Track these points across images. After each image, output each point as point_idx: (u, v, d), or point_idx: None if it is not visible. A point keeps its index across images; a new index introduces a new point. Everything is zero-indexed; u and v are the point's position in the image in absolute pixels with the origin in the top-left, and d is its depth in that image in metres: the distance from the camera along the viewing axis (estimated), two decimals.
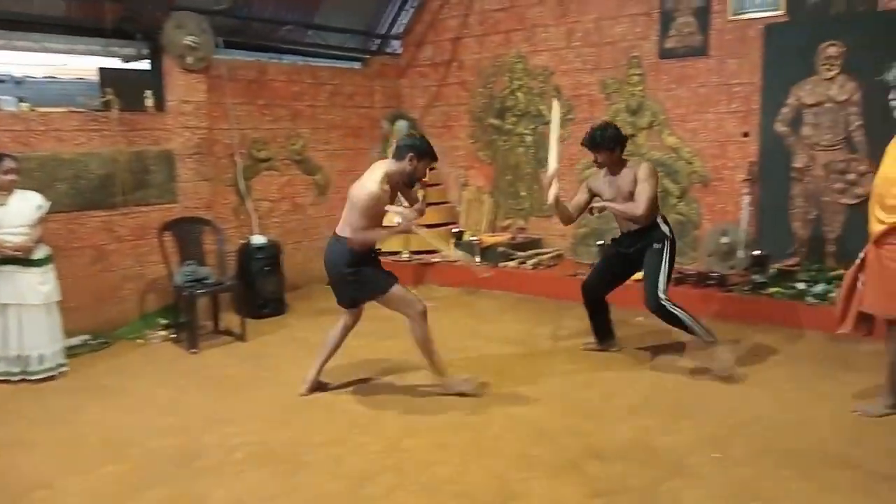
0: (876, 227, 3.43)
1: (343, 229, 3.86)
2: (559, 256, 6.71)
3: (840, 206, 5.42)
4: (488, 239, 6.81)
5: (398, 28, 7.83)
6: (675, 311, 4.19)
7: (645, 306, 4.26)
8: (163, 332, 5.43)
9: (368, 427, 3.68)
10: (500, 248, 6.63)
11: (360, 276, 3.87)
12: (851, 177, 5.34)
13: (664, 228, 4.32)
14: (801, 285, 5.14)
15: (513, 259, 6.53)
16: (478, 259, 4.20)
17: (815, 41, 5.40)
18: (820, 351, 4.64)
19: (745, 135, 5.79)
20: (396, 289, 3.88)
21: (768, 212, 5.68)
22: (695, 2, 6.00)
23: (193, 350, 5.03)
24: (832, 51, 5.33)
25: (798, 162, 5.57)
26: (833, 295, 4.94)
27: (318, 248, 7.13)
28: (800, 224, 5.59)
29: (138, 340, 5.32)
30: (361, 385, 4.30)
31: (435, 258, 7.00)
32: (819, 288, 5.04)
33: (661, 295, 4.19)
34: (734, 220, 5.76)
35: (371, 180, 3.76)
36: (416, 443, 3.47)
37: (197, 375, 4.56)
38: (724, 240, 5.75)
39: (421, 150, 3.82)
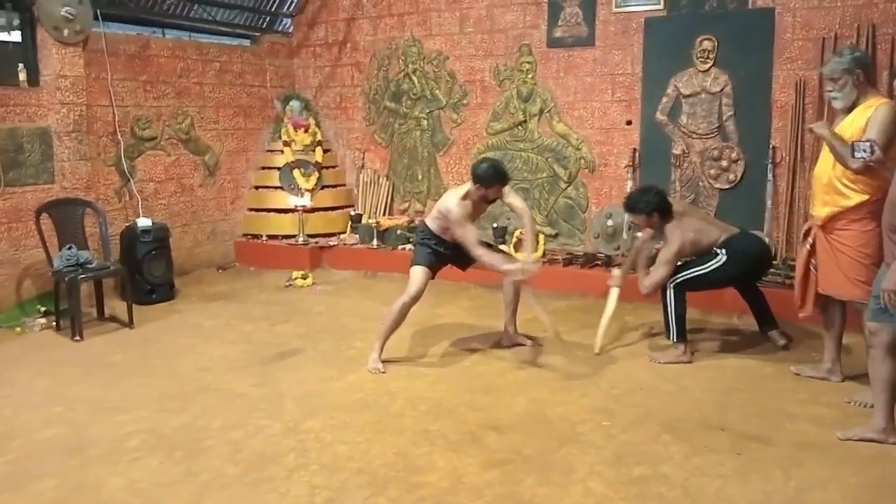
0: (823, 212, 3.60)
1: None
2: None
3: (715, 191, 5.83)
4: (385, 222, 6.85)
5: (290, 6, 7.67)
6: (669, 303, 4.32)
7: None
8: (42, 320, 5.14)
9: (268, 410, 3.65)
10: (398, 231, 6.68)
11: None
12: (724, 163, 5.75)
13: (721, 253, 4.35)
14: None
15: (411, 242, 6.59)
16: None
17: (691, 35, 5.76)
18: (693, 324, 4.99)
19: (629, 123, 6.11)
20: (414, 269, 4.29)
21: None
22: None
23: (77, 338, 4.79)
24: (706, 44, 5.70)
25: (676, 149, 5.93)
26: None
27: (208, 231, 6.94)
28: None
29: (16, 329, 5.01)
30: (259, 369, 4.25)
31: (332, 241, 6.98)
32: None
33: (671, 282, 4.30)
34: (619, 204, 6.07)
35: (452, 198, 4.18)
36: (318, 424, 3.48)
37: (82, 364, 4.35)
38: (610, 222, 6.06)
39: (484, 180, 4.10)
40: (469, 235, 4.14)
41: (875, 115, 3.37)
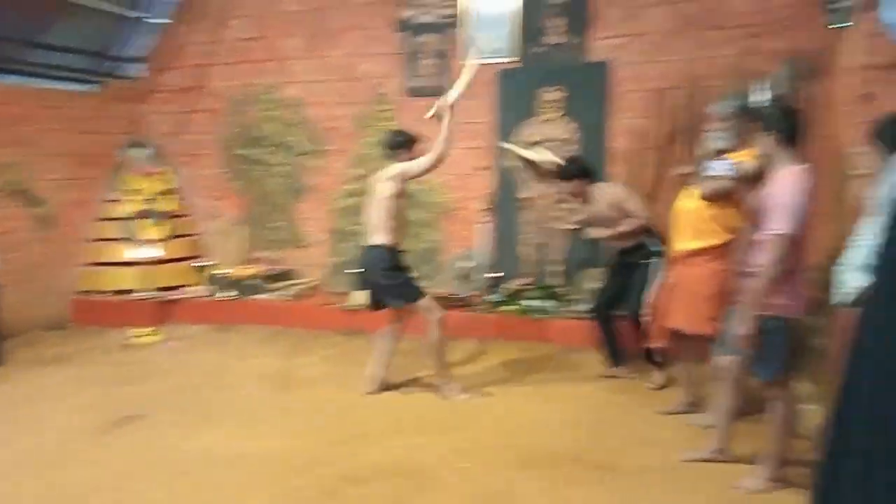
0: (687, 248, 3.76)
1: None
2: (315, 286, 6.72)
3: (560, 232, 6.11)
4: (242, 271, 6.61)
5: (140, 51, 7.37)
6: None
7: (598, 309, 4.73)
8: None
9: (110, 482, 3.36)
10: (254, 281, 6.47)
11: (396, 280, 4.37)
12: (568, 206, 6.04)
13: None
14: (532, 302, 5.69)
15: (268, 291, 6.41)
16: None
17: (538, 86, 6.07)
18: (548, 359, 5.15)
19: (485, 168, 6.30)
20: (423, 302, 4.36)
21: (503, 237, 6.23)
22: (436, 45, 6.44)
23: None
24: (553, 95, 6.04)
25: (527, 193, 6.18)
26: (559, 310, 5.56)
27: (42, 288, 6.40)
28: (529, 248, 6.21)
29: None
30: (99, 438, 3.92)
31: (183, 294, 6.62)
32: (548, 304, 5.62)
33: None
34: (474, 246, 6.23)
35: None
36: (163, 493, 3.24)
37: None
38: (466, 264, 6.19)
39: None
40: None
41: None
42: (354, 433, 3.91)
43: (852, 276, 1.77)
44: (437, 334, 4.37)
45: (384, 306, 4.51)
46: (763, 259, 3.01)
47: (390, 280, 4.35)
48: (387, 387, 4.56)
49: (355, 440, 3.81)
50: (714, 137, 3.77)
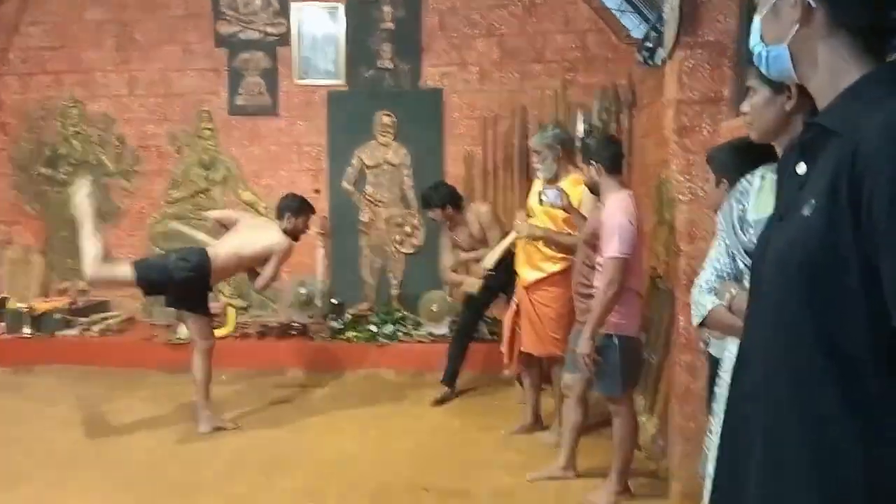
0: (530, 276, 3.84)
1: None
2: (130, 319, 6.12)
3: (400, 256, 6.09)
4: (41, 305, 5.86)
5: None
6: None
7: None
8: None
9: None
10: (57, 315, 5.76)
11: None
12: (408, 229, 6.06)
13: None
14: (373, 328, 5.58)
15: (74, 326, 5.73)
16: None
17: (372, 110, 6.02)
18: (392, 387, 5.07)
19: (317, 192, 6.12)
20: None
21: (341, 262, 6.08)
22: (262, 63, 6.19)
23: None
24: (386, 119, 6.02)
25: (364, 216, 6.10)
26: (399, 333, 5.50)
27: None
28: (368, 272, 6.11)
29: None
30: None
31: None
32: (388, 329, 5.54)
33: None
34: (312, 272, 6.01)
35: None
36: None
37: None
38: (303, 290, 5.94)
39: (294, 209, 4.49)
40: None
41: (584, 199, 3.65)
42: (186, 481, 3.56)
43: (703, 298, 1.87)
44: (203, 361, 4.27)
45: None
46: (599, 281, 3.16)
47: (194, 285, 4.26)
48: (219, 426, 4.23)
49: (193, 490, 3.46)
50: (536, 169, 3.93)
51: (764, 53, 1.20)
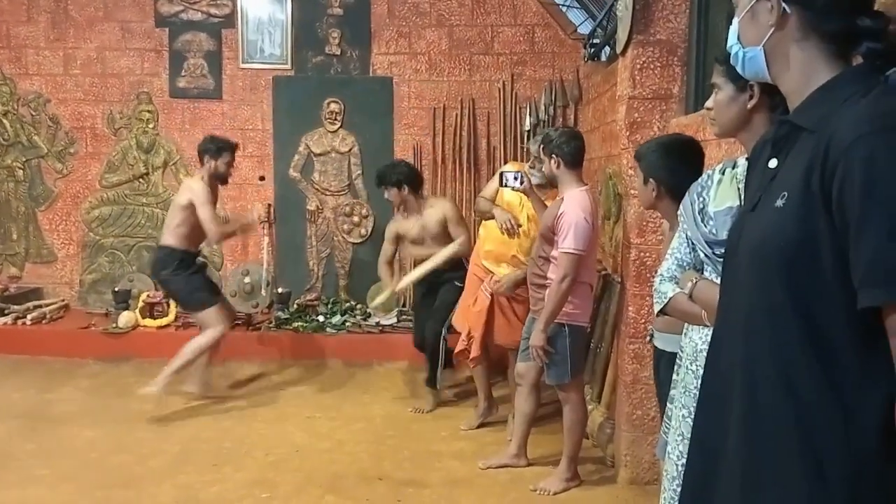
0: (502, 271, 3.82)
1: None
2: (66, 307, 5.89)
3: (348, 245, 6.04)
4: None
5: None
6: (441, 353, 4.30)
7: (421, 336, 4.41)
8: None
9: None
10: None
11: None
12: (356, 219, 6.01)
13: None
14: (321, 318, 5.54)
15: (6, 314, 5.48)
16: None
17: (319, 96, 5.94)
18: (341, 378, 5.04)
19: (262, 178, 6.03)
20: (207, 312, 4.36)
21: (287, 251, 6.00)
22: (206, 45, 6.03)
23: None
24: (334, 107, 5.95)
25: (311, 205, 6.03)
26: (348, 324, 5.47)
27: None
28: (315, 261, 6.05)
29: None
30: None
31: None
32: (336, 319, 5.50)
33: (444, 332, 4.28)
34: (256, 260, 5.92)
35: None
36: None
37: None
38: (247, 280, 5.84)
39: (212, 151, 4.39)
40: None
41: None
42: (132, 472, 3.47)
43: (664, 287, 1.94)
44: (202, 343, 4.30)
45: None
46: (555, 273, 3.22)
47: (176, 284, 4.38)
48: (161, 419, 4.14)
49: (139, 480, 3.38)
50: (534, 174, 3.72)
51: (740, 54, 1.26)
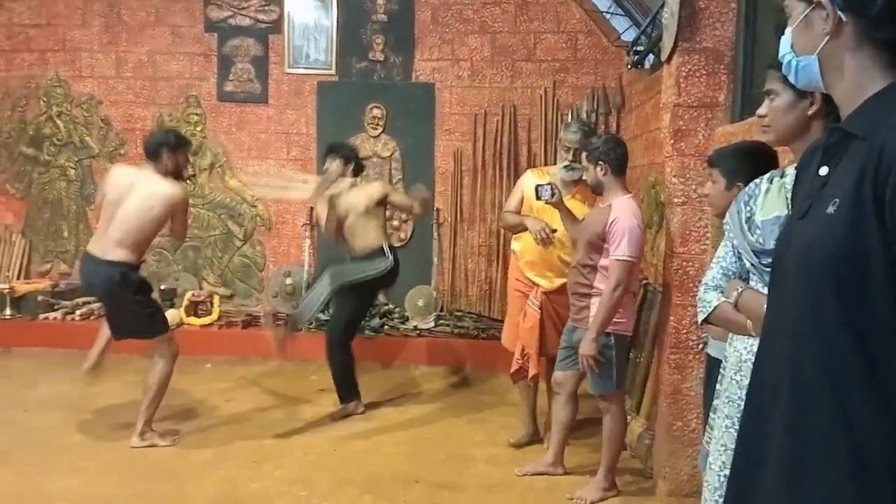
0: (554, 283, 3.69)
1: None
2: None
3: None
4: (22, 287, 5.78)
5: None
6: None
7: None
8: None
9: None
10: (40, 297, 5.69)
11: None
12: (395, 223, 6.04)
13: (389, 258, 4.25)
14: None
15: (56, 309, 5.66)
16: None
17: (362, 102, 6.02)
18: (379, 380, 5.07)
19: (305, 182, 6.08)
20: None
21: (327, 253, 6.07)
22: (253, 50, 6.16)
23: None
24: (377, 112, 6.02)
25: None
26: (386, 327, 5.52)
27: None
28: None
29: None
30: None
31: None
32: (375, 322, 5.55)
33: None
34: (297, 262, 6.01)
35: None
36: None
37: None
38: (289, 281, 5.94)
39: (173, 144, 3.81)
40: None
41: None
42: (173, 468, 3.55)
43: (709, 296, 1.93)
44: (167, 370, 3.80)
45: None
46: (603, 283, 3.18)
47: (131, 307, 3.74)
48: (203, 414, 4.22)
49: (179, 474, 3.46)
50: (571, 167, 3.68)
51: (794, 63, 1.25)
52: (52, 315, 5.61)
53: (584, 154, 3.43)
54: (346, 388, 4.34)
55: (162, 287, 5.79)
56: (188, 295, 5.63)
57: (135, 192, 3.72)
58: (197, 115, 6.21)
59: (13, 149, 6.32)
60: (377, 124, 6.03)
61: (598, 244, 3.23)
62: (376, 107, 6.01)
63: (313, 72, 6.12)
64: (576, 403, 3.46)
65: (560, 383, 3.44)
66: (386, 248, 4.31)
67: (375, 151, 6.06)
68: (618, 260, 3.14)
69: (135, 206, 3.68)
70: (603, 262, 3.22)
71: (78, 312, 5.64)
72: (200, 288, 5.92)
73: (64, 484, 3.32)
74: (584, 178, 3.49)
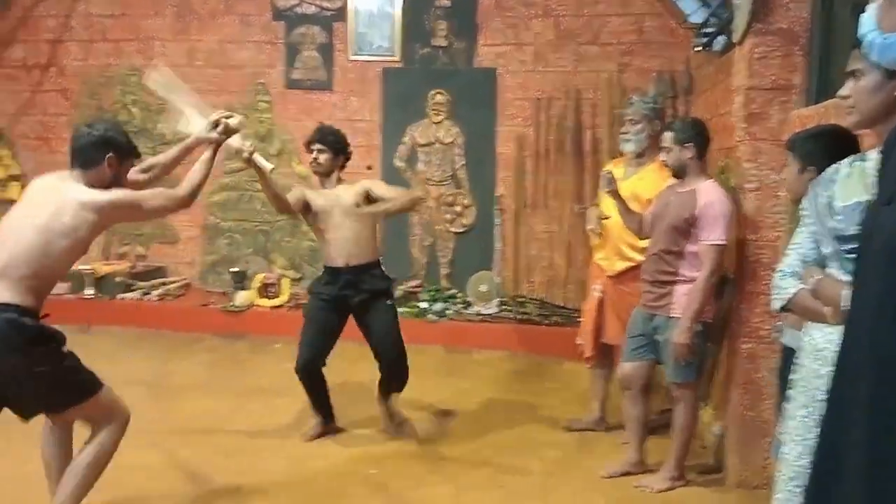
0: (617, 266, 3.66)
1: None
2: (187, 286, 6.29)
3: (450, 234, 6.13)
4: (103, 268, 6.06)
5: None
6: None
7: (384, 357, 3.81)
8: None
9: None
10: (119, 279, 5.95)
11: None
12: (458, 209, 6.10)
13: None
14: (423, 304, 5.67)
15: (134, 290, 5.92)
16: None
17: (425, 88, 6.05)
18: (442, 363, 5.14)
19: (369, 168, 6.20)
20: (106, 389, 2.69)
21: (392, 239, 6.15)
22: (318, 38, 6.25)
23: None
24: (439, 98, 6.05)
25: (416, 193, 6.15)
26: (449, 312, 5.57)
27: None
28: (418, 250, 6.18)
29: None
30: None
31: None
32: (438, 306, 5.62)
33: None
34: None
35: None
36: None
37: None
38: None
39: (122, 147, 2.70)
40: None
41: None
42: (245, 444, 3.68)
43: (786, 282, 1.90)
44: (114, 439, 2.76)
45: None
46: (696, 270, 3.11)
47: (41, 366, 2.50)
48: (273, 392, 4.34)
49: (247, 451, 3.59)
50: (625, 139, 3.72)
51: (878, 41, 1.22)
52: (129, 295, 5.86)
53: (668, 135, 3.30)
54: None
55: (233, 269, 5.97)
56: (259, 277, 5.79)
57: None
58: (265, 102, 6.36)
59: None
60: (440, 110, 6.06)
61: (686, 229, 3.13)
62: (439, 93, 6.04)
63: (377, 58, 6.18)
64: (647, 397, 3.38)
65: (629, 376, 3.34)
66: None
67: (438, 138, 6.10)
68: (712, 245, 3.08)
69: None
70: (691, 247, 3.14)
71: (154, 293, 5.89)
72: (270, 271, 6.09)
73: (140, 457, 3.43)
74: (663, 159, 3.37)
